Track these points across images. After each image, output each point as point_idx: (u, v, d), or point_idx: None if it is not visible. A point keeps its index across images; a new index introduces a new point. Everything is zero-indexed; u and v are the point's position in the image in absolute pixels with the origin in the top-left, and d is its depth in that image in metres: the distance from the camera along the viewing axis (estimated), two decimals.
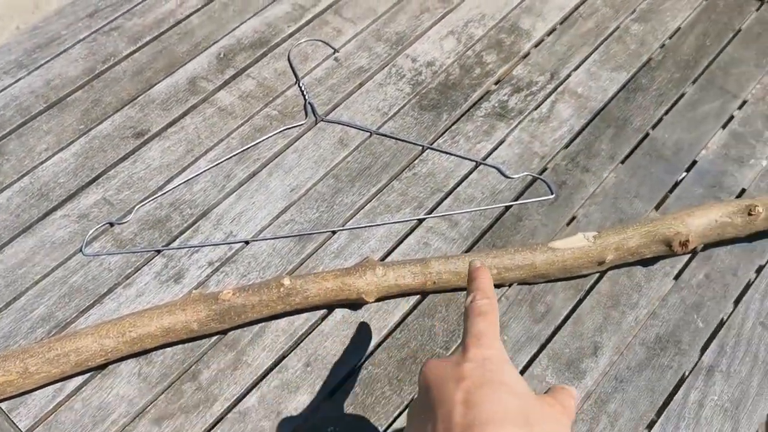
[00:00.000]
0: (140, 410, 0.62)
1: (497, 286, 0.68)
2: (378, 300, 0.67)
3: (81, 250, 0.71)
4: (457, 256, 0.66)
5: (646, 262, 0.69)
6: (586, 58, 0.87)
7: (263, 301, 0.64)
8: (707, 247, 0.70)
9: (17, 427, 0.60)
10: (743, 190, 0.75)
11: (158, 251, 0.71)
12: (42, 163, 0.78)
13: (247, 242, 0.72)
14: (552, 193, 0.75)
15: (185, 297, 0.64)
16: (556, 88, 0.84)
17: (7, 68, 0.86)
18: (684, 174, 0.76)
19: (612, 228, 0.67)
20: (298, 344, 0.65)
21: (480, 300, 0.46)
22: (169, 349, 0.65)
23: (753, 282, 0.68)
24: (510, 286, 0.68)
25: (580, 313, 0.67)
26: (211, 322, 0.63)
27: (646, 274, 0.69)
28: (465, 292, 0.67)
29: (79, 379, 0.63)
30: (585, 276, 0.69)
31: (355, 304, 0.67)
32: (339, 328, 0.66)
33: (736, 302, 0.67)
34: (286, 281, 0.64)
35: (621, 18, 0.91)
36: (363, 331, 0.66)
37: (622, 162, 0.78)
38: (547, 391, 0.45)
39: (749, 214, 0.66)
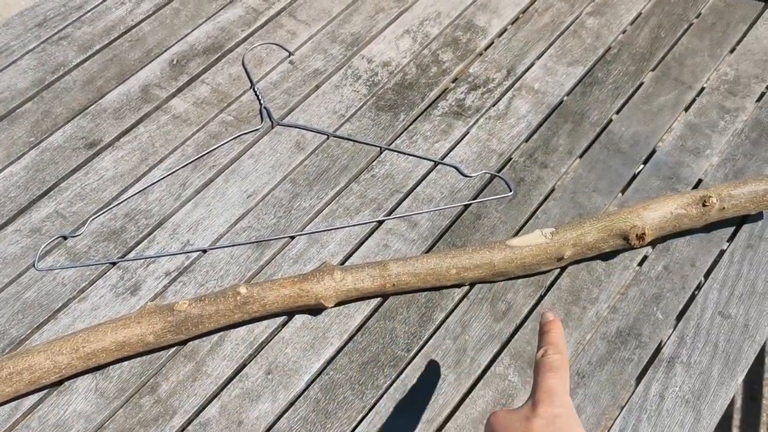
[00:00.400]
0: (98, 426, 0.61)
1: (457, 285, 0.67)
2: (338, 305, 0.66)
3: (34, 265, 0.69)
4: (415, 257, 0.66)
5: (606, 257, 0.69)
6: (543, 53, 0.87)
7: (220, 311, 0.63)
8: (665, 238, 0.70)
9: None
10: (700, 181, 0.75)
11: (113, 263, 0.70)
12: None
13: (204, 251, 0.71)
14: (510, 191, 0.74)
15: (140, 309, 0.63)
16: (513, 85, 0.84)
17: None
18: (641, 166, 0.77)
19: (569, 223, 0.67)
20: (259, 352, 0.65)
21: (553, 355, 0.46)
22: (126, 362, 0.64)
23: (711, 272, 0.69)
24: (471, 285, 0.68)
25: (542, 310, 0.67)
26: (168, 333, 0.62)
27: (605, 269, 0.69)
28: (424, 293, 0.67)
29: (35, 397, 0.62)
30: (545, 272, 0.68)
31: (314, 310, 0.66)
32: (299, 334, 0.65)
33: (695, 293, 0.68)
34: (243, 290, 0.63)
35: (576, 12, 0.91)
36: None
37: (580, 156, 0.78)
38: None
39: (704, 205, 0.66)
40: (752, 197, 0.67)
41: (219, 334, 0.65)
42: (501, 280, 0.68)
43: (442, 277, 0.66)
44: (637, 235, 0.65)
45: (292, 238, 0.72)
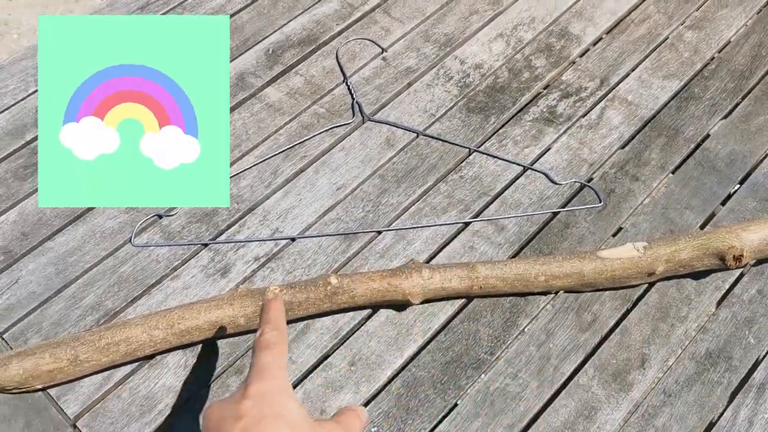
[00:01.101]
0: (185, 401, 0.62)
1: (543, 293, 0.67)
2: (423, 302, 0.67)
3: (130, 241, 0.72)
4: (504, 261, 0.66)
5: (697, 275, 0.68)
6: (638, 65, 0.86)
7: (310, 299, 0.64)
8: (760, 262, 0.69)
9: (65, 413, 0.61)
10: None
11: (205, 245, 0.72)
12: None
13: (293, 239, 0.72)
14: (600, 201, 0.74)
15: (232, 291, 0.64)
16: (605, 95, 0.83)
17: None
18: (737, 186, 0.75)
19: (662, 239, 0.67)
20: (343, 343, 0.65)
21: (269, 332, 0.47)
22: (215, 342, 0.65)
23: None
24: (556, 293, 0.68)
25: (628, 324, 0.66)
26: (258, 317, 0.63)
27: (696, 288, 0.68)
28: (509, 298, 0.67)
29: (127, 369, 0.64)
30: (634, 287, 0.68)
31: (400, 306, 0.67)
32: (383, 328, 0.66)
33: None
34: (333, 280, 0.64)
35: (674, 25, 0.90)
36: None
37: (673, 172, 0.77)
38: (335, 414, 0.46)
39: None
40: None
41: (304, 322, 0.66)
42: (588, 291, 0.67)
43: (529, 284, 0.65)
44: (734, 256, 0.64)
45: (379, 233, 0.72)
